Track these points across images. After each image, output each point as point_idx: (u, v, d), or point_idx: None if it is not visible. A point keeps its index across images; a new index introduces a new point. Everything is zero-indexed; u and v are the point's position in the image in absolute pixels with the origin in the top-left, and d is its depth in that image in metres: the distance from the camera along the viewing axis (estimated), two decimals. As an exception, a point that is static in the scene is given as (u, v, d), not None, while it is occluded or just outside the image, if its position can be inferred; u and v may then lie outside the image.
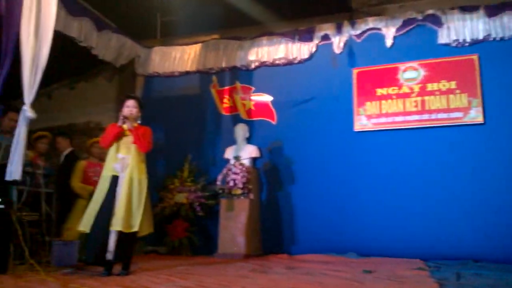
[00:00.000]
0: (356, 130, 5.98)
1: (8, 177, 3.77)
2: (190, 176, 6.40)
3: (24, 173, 3.97)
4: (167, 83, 7.02)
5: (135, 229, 3.71)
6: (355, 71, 6.14)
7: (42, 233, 4.06)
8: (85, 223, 3.68)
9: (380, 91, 5.96)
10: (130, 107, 3.97)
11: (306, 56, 6.41)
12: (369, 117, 5.94)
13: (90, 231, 3.64)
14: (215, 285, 3.13)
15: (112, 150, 3.90)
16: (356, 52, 6.23)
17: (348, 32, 6.25)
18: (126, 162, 3.81)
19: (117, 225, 3.62)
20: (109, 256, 3.63)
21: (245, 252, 5.72)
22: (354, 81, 6.10)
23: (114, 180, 3.77)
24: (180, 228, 6.13)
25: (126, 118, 3.89)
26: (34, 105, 8.03)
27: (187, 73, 6.96)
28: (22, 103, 4.01)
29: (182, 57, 6.97)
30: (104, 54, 6.38)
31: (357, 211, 5.76)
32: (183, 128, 6.75)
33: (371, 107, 5.96)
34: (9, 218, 3.63)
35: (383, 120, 5.89)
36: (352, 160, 5.91)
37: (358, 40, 6.22)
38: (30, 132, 7.47)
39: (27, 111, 4.01)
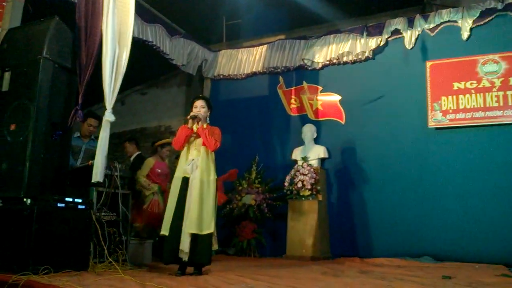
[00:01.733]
0: (430, 127, 5.67)
1: (94, 179, 3.89)
2: (257, 178, 6.41)
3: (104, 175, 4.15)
4: (234, 85, 7.09)
5: (209, 230, 3.74)
6: (428, 64, 5.83)
7: (119, 233, 4.21)
8: (165, 226, 3.77)
9: (457, 85, 5.61)
10: (198, 107, 4.01)
11: (375, 52, 6.19)
12: (445, 112, 5.61)
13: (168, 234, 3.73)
14: (287, 287, 3.07)
15: (183, 152, 3.97)
16: (429, 46, 5.93)
17: (421, 26, 5.96)
18: (196, 163, 3.86)
19: (190, 227, 3.67)
20: (185, 257, 3.70)
21: (313, 255, 5.64)
22: (428, 74, 5.80)
23: (185, 181, 3.82)
24: (248, 229, 6.15)
25: (194, 118, 3.92)
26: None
27: (254, 74, 7.00)
28: (99, 108, 4.19)
29: (248, 59, 7.01)
30: (175, 59, 6.58)
31: (433, 213, 5.47)
32: (250, 130, 6.79)
33: (447, 102, 5.63)
34: (89, 218, 3.81)
35: (460, 116, 5.53)
36: (427, 159, 5.62)
37: (432, 34, 5.92)
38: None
39: (109, 115, 4.17)
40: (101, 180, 3.97)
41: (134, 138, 6.44)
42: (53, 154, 3.88)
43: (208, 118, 4.06)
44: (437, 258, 5.23)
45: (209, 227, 3.74)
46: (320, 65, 6.51)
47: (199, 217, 3.70)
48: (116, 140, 8.03)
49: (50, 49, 3.89)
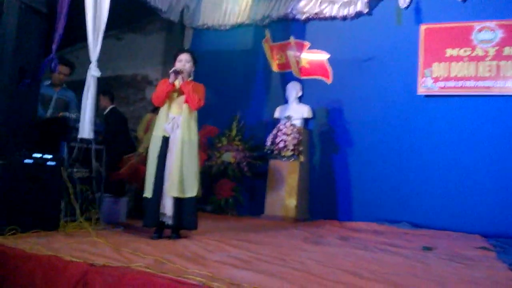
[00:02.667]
0: (419, 94, 5.52)
1: (81, 135, 3.72)
2: (238, 135, 6.20)
3: (74, 129, 3.86)
4: (217, 36, 6.70)
5: (193, 193, 3.53)
6: (422, 28, 5.59)
7: (92, 190, 3.98)
8: (147, 188, 3.54)
9: (450, 52, 5.42)
10: (182, 61, 3.68)
11: (368, 6, 5.88)
12: (436, 79, 5.45)
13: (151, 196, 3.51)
14: (270, 257, 2.95)
15: (163, 109, 3.67)
16: (424, 7, 5.67)
17: (417, -17, 5.65)
18: (177, 122, 3.59)
19: (172, 190, 3.46)
20: (168, 220, 3.53)
21: (292, 216, 5.57)
22: (421, 39, 5.57)
23: (165, 141, 3.57)
24: (227, 187, 6.00)
25: (178, 73, 3.60)
26: (80, 55, 7.94)
27: (239, 25, 6.60)
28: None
29: (234, 8, 6.59)
30: (154, 2, 6.10)
31: (415, 180, 5.44)
32: (232, 85, 6.48)
33: (438, 68, 5.45)
34: (60, 175, 3.55)
35: (451, 84, 5.38)
36: (413, 125, 5.51)
37: (427, -7, 5.63)
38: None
39: (93, 70, 3.88)
40: (91, 137, 3.77)
41: (109, 91, 5.99)
42: (20, 104, 3.54)
43: (192, 74, 3.76)
44: (415, 224, 5.24)
45: (192, 190, 3.53)
46: (307, 16, 6.14)
47: (181, 179, 3.49)
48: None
49: (15, -14, 3.46)
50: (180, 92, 3.65)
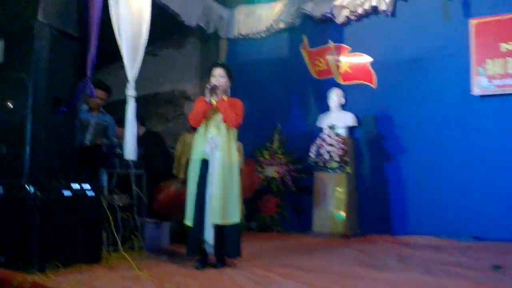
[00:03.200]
0: (474, 94, 5.09)
1: (126, 157, 3.76)
2: (280, 148, 5.95)
3: (113, 155, 3.74)
4: (253, 45, 6.48)
5: (235, 220, 3.33)
6: (472, 22, 5.15)
7: (133, 217, 3.85)
8: (188, 216, 3.37)
9: (505, 46, 4.97)
10: (216, 76, 3.47)
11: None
12: (491, 78, 5.00)
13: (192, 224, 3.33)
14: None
15: (200, 130, 3.47)
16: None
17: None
18: (216, 142, 3.38)
19: (214, 217, 3.26)
20: (210, 249, 3.33)
21: (342, 231, 5.26)
22: (472, 34, 5.14)
23: (205, 164, 3.37)
24: (271, 204, 5.77)
25: (213, 89, 3.38)
26: (120, 73, 7.94)
27: (274, 32, 6.35)
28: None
29: (268, 15, 6.34)
30: (186, 18, 5.97)
31: (474, 188, 4.99)
32: (271, 95, 6.24)
33: (493, 65, 5.01)
34: (100, 205, 3.43)
35: (509, 81, 4.92)
36: (470, 129, 5.07)
37: (477, -17, 5.19)
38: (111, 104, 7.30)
39: (131, 90, 3.90)
40: (135, 158, 3.81)
41: (137, 114, 5.87)
42: (57, 133, 3.44)
43: (228, 89, 3.54)
44: (477, 237, 4.82)
45: (235, 216, 3.33)
46: (344, 18, 5.82)
47: (223, 205, 3.28)
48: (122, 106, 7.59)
49: (45, 12, 3.38)
50: (217, 110, 3.45)
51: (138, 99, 7.56)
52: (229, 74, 3.55)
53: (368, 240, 4.98)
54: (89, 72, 3.57)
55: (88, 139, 4.38)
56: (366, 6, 5.67)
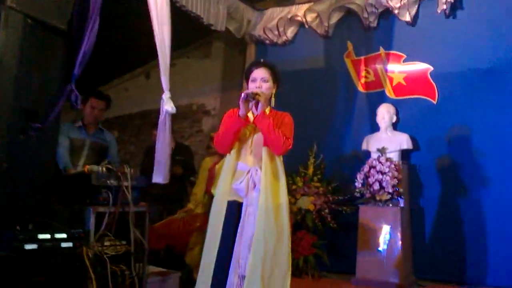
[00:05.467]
0: None
1: (155, 180, 3.32)
2: (316, 174, 4.92)
3: (105, 187, 2.79)
4: (285, 52, 5.51)
5: None
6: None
7: (130, 269, 2.88)
8: (203, 280, 2.32)
9: None
10: (257, 80, 2.45)
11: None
12: None
13: None
14: None
15: (230, 157, 2.45)
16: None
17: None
18: (254, 177, 2.37)
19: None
20: None
21: (393, 281, 4.19)
22: None
23: (235, 209, 2.36)
24: (306, 243, 4.70)
25: (253, 99, 2.32)
26: (129, 86, 7.14)
27: (310, 36, 5.39)
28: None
29: (303, 17, 5.38)
30: (211, 21, 5.08)
31: None
32: (307, 111, 5.16)
33: None
34: (78, 258, 2.45)
35: None
36: None
37: None
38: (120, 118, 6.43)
39: (167, 104, 3.42)
40: (166, 181, 3.36)
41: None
42: (26, 160, 2.52)
43: (273, 99, 2.50)
44: None
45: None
46: (402, 22, 4.81)
47: (264, 272, 2.22)
48: (138, 121, 6.73)
49: (18, -5, 2.48)
50: (255, 128, 2.43)
51: (150, 114, 6.76)
52: (276, 78, 2.51)
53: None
54: (76, 72, 2.64)
55: (81, 163, 3.45)
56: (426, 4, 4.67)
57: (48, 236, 2.31)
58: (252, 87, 2.44)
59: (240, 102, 2.32)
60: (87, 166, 2.82)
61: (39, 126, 2.55)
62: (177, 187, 4.60)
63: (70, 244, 2.40)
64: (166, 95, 3.41)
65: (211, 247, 2.34)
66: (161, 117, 3.42)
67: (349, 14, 5.13)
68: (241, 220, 2.32)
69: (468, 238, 4.35)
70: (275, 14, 5.59)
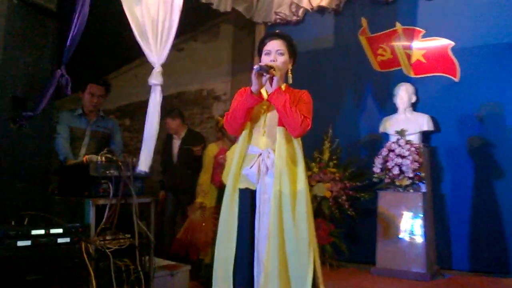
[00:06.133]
0: None
1: (140, 168, 2.81)
2: (332, 159, 4.68)
3: (104, 178, 2.61)
4: (297, 31, 5.23)
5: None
6: None
7: (136, 264, 2.72)
8: (219, 279, 2.12)
9: None
10: (272, 53, 2.20)
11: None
12: None
13: None
14: None
15: (242, 139, 2.23)
16: None
17: None
18: (266, 161, 2.14)
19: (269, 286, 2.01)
20: None
21: (416, 270, 3.96)
22: None
23: (248, 197, 2.15)
24: (323, 232, 4.45)
25: (267, 72, 2.07)
26: (139, 72, 6.96)
27: (322, 13, 5.10)
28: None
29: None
30: (216, 3, 4.85)
31: None
32: (320, 92, 4.84)
33: None
34: (77, 254, 2.29)
35: None
36: None
37: None
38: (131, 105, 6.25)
39: (156, 77, 3.01)
40: (146, 170, 2.85)
41: (177, 109, 4.74)
42: (20, 151, 2.36)
43: (290, 75, 2.26)
44: None
45: (307, 284, 2.02)
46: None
47: (282, 269, 2.01)
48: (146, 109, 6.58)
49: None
50: (270, 107, 2.20)
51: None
52: (293, 51, 2.27)
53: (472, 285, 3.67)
54: (66, 56, 2.45)
55: (83, 152, 3.29)
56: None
57: (42, 231, 2.14)
58: (265, 60, 2.20)
59: (253, 76, 2.08)
60: (86, 156, 2.65)
61: (31, 114, 2.37)
62: (189, 177, 4.44)
63: (67, 240, 2.24)
64: (156, 69, 3.05)
65: (227, 241, 2.14)
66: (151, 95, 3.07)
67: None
68: (256, 210, 2.11)
69: (502, 225, 4.07)
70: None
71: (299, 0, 5.11)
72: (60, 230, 2.21)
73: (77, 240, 2.28)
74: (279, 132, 2.15)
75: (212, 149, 4.09)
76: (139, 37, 2.96)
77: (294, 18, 5.21)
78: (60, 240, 2.21)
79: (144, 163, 2.83)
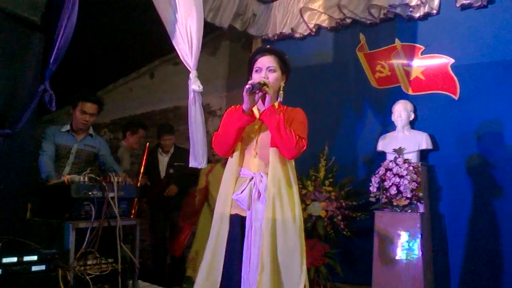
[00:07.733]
0: None
1: (192, 164, 2.94)
2: (328, 178, 4.56)
3: (87, 199, 2.49)
4: (294, 47, 5.16)
5: None
6: None
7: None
8: None
9: None
10: (263, 69, 2.11)
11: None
12: None
13: None
14: None
15: (232, 161, 2.12)
16: None
17: None
18: (258, 185, 2.03)
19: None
20: None
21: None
22: None
23: (238, 224, 2.04)
24: (317, 252, 4.34)
25: (259, 90, 1.98)
26: (134, 85, 6.88)
27: (319, 30, 5.03)
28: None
29: (312, 10, 5.03)
30: (212, 17, 4.79)
31: None
32: (317, 109, 4.83)
33: None
34: (52, 282, 2.16)
35: None
36: None
37: None
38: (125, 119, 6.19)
39: (195, 82, 3.07)
40: (203, 166, 3.02)
41: (172, 126, 4.92)
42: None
43: (281, 92, 2.16)
44: None
45: None
46: (420, 12, 4.43)
47: None
48: (144, 121, 6.50)
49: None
50: (262, 126, 2.10)
51: (154, 115, 6.51)
52: (285, 67, 2.19)
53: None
54: (50, 69, 2.34)
55: (66, 171, 3.17)
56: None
57: (15, 259, 2.01)
58: (256, 77, 2.09)
59: (244, 94, 1.97)
60: (68, 176, 2.53)
61: (9, 132, 2.26)
62: (178, 195, 4.45)
63: (42, 267, 2.11)
64: (193, 74, 3.13)
65: (212, 269, 2.01)
66: (190, 96, 3.14)
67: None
68: (245, 239, 1.98)
69: (500, 244, 3.95)
70: (283, 7, 5.25)
71: (302, 22, 5.03)
72: (34, 257, 2.08)
73: (53, 267, 2.15)
74: (272, 153, 2.04)
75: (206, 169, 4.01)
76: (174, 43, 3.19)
77: (299, 35, 5.15)
78: (34, 268, 2.08)
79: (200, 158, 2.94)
